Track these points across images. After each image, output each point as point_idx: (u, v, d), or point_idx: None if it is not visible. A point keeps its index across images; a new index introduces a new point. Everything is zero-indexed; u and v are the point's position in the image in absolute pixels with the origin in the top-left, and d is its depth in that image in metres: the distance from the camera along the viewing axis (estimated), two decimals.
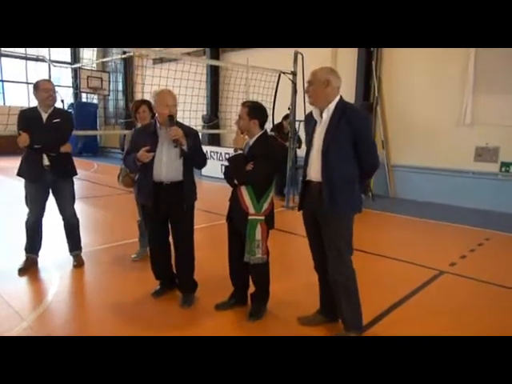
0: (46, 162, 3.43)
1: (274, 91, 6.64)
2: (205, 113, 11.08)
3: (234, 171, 2.72)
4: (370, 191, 7.60)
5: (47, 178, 3.47)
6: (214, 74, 11.00)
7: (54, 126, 3.42)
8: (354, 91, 8.07)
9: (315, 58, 7.52)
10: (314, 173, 2.48)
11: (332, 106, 2.42)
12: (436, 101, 7.21)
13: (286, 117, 7.15)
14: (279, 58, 7.15)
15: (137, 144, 2.97)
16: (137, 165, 2.90)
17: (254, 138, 2.73)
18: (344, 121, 2.36)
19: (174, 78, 6.69)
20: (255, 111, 2.71)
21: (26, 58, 15.09)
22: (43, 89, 3.39)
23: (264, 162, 2.65)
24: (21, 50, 14.90)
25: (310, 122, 2.59)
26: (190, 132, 2.97)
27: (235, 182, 2.72)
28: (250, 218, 2.69)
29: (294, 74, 6.54)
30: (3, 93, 14.91)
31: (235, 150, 2.72)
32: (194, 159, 2.95)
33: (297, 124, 6.86)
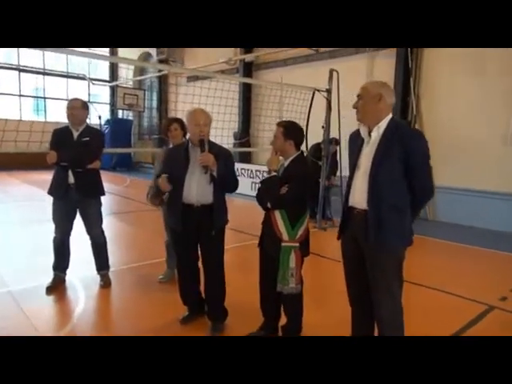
0: (71, 179, 3.39)
1: (307, 109, 6.48)
2: (236, 130, 11.10)
3: (267, 194, 2.56)
4: None
5: (73, 196, 3.41)
6: (247, 91, 11.03)
7: (83, 144, 3.40)
8: None
9: (350, 75, 7.39)
10: (359, 198, 2.22)
11: (383, 123, 2.17)
12: (480, 118, 6.83)
13: (331, 141, 6.51)
14: (313, 75, 7.03)
15: (168, 164, 2.89)
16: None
17: (290, 160, 2.58)
18: (397, 141, 2.11)
19: (207, 96, 6.71)
20: (291, 131, 2.56)
21: (68, 77, 15.81)
22: (67, 107, 3.41)
23: (298, 184, 2.48)
24: (63, 69, 15.64)
25: (355, 140, 2.34)
26: (221, 153, 2.82)
27: (268, 205, 2.56)
28: (283, 244, 2.51)
29: (328, 91, 6.37)
30: (45, 109, 15.59)
31: (269, 172, 2.57)
32: (223, 185, 2.79)
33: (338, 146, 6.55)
